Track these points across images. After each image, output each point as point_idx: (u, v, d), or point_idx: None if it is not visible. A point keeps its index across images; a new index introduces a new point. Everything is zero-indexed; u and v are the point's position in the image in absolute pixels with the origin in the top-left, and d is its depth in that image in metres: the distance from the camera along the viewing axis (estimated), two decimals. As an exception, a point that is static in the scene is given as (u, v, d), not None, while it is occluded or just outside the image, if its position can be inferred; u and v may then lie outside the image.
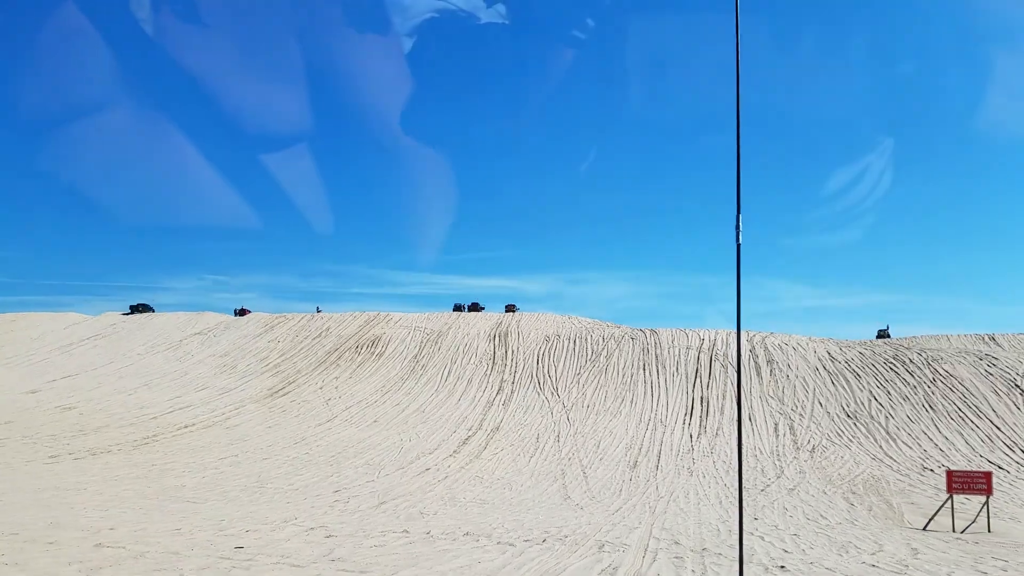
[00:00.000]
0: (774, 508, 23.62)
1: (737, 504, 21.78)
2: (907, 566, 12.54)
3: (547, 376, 48.85)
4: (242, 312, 71.15)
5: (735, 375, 46.99)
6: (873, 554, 14.24)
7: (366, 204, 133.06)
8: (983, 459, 33.16)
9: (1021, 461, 32.66)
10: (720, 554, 13.28)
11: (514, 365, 51.15)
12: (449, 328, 59.95)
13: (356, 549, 11.52)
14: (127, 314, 71.30)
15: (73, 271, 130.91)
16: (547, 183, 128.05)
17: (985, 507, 19.31)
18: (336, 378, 50.02)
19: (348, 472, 27.78)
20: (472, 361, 52.45)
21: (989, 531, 18.35)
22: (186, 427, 38.65)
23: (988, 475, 20.36)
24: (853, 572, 11.58)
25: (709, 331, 54.90)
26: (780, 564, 11.85)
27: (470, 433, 38.27)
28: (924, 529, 19.17)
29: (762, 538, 16.33)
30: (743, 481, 29.99)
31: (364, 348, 55.62)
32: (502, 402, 44.54)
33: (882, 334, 62.24)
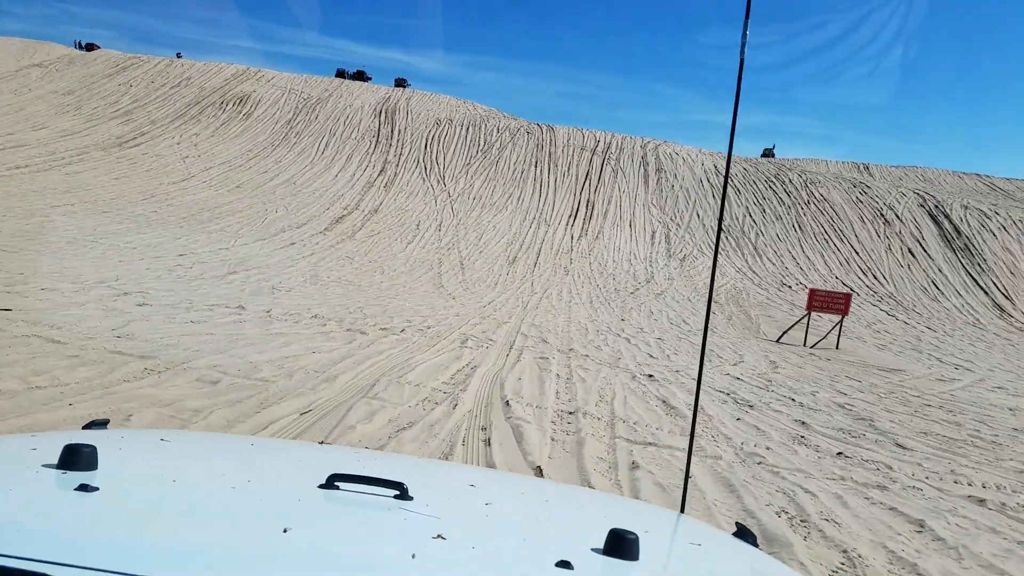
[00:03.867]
0: (641, 310, 23.84)
1: (606, 307, 21.24)
2: (771, 381, 12.39)
3: (435, 162, 46.36)
4: (90, 47, 61.83)
5: (624, 181, 46.51)
6: (735, 364, 14.17)
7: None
8: (838, 280, 35.14)
9: (871, 285, 34.88)
10: (587, 355, 12.63)
11: (400, 146, 48.04)
12: (330, 95, 54.93)
13: (162, 324, 9.65)
14: (-53, 33, 60.35)
15: None
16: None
17: (839, 326, 20.00)
18: (196, 134, 45.16)
19: (199, 237, 25.27)
20: (354, 135, 48.74)
21: (837, 348, 19.10)
22: (17, 168, 33.92)
23: (848, 297, 20.97)
24: (719, 385, 11.16)
25: (605, 133, 53.44)
26: (648, 373, 11.25)
27: (345, 212, 36.06)
28: (777, 341, 19.74)
29: (628, 340, 16.08)
30: (619, 285, 30.05)
31: (230, 105, 50.14)
32: (384, 184, 42.10)
33: (767, 153, 63.55)
